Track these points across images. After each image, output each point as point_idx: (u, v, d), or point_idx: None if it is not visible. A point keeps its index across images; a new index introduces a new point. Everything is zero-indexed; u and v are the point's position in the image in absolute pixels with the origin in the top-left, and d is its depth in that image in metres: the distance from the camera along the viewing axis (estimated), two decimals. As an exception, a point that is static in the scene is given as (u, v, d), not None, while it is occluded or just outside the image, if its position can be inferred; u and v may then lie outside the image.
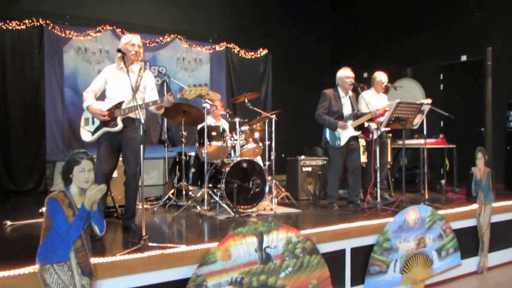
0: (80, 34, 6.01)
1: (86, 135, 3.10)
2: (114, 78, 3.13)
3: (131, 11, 6.47)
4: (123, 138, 3.05)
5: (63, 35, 5.89)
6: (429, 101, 4.19)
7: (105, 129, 3.02)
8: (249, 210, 3.84)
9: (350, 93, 4.19)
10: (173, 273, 2.42)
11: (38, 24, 5.71)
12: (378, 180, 3.99)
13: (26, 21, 5.62)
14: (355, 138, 4.12)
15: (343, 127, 3.98)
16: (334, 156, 4.08)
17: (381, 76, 4.58)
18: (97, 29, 6.12)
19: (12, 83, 5.56)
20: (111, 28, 6.20)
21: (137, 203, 3.65)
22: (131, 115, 3.04)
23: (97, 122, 3.05)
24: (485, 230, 3.81)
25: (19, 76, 5.60)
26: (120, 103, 3.03)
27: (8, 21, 5.51)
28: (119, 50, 3.02)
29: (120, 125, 3.01)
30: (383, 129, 4.20)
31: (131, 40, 3.13)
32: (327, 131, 4.09)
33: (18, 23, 5.57)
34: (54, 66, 5.84)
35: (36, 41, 5.69)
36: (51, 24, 5.79)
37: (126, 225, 3.11)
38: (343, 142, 4.01)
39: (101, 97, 3.20)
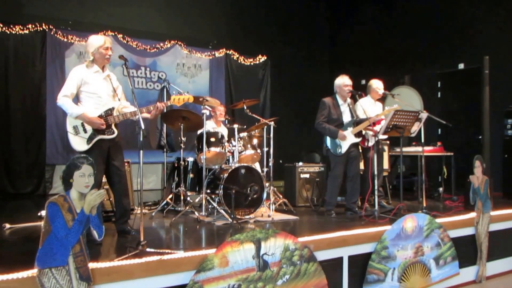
0: (82, 39, 6.05)
1: (80, 143, 2.94)
2: (93, 82, 2.99)
3: (132, 17, 6.53)
4: (112, 143, 3.04)
5: (65, 40, 5.95)
6: (426, 114, 4.23)
7: (100, 136, 2.97)
8: (247, 217, 3.85)
9: (349, 100, 4.22)
10: (170, 279, 2.42)
11: (41, 29, 5.76)
12: (376, 187, 4.00)
13: (30, 25, 5.68)
14: (355, 145, 4.14)
15: (343, 138, 4.00)
16: (335, 163, 4.09)
17: (376, 84, 4.61)
18: (99, 34, 6.15)
19: (14, 86, 5.60)
20: (113, 34, 6.25)
21: (136, 207, 3.66)
22: (118, 120, 3.02)
23: (89, 130, 2.95)
24: (484, 238, 3.81)
25: (21, 80, 5.64)
26: (111, 109, 3.02)
27: (11, 26, 5.58)
28: (121, 57, 3.01)
29: (116, 132, 3.01)
30: (381, 136, 4.22)
31: (105, 43, 3.02)
32: (328, 139, 4.11)
33: (22, 28, 5.63)
34: (55, 70, 5.89)
35: (38, 46, 5.75)
36: (54, 29, 5.85)
37: (122, 229, 3.11)
38: (344, 149, 4.03)
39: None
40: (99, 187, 2.89)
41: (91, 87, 3.00)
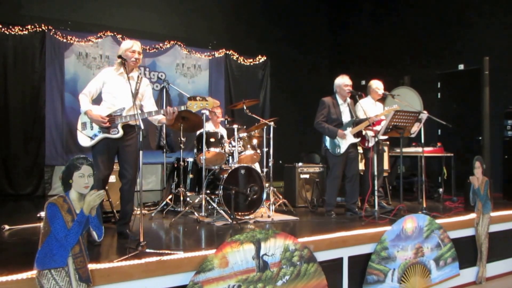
0: (81, 40, 6.06)
1: (84, 140, 3.05)
2: (113, 83, 3.10)
3: (131, 18, 6.52)
4: (121, 144, 3.05)
5: (64, 40, 5.94)
6: (426, 115, 4.23)
7: (105, 135, 3.01)
8: (247, 217, 3.84)
9: (349, 100, 4.22)
10: (170, 280, 2.42)
11: (40, 29, 5.76)
12: (376, 188, 4.00)
13: (29, 26, 5.67)
14: (354, 146, 4.14)
15: (342, 137, 4.00)
16: (334, 163, 4.09)
17: (376, 84, 4.61)
18: (98, 35, 6.17)
19: (14, 87, 5.59)
20: (112, 34, 6.24)
21: (135, 208, 3.66)
22: (131, 122, 3.05)
23: (96, 128, 3.03)
24: (484, 239, 3.80)
25: (20, 81, 5.63)
26: (121, 110, 3.05)
27: (11, 27, 5.57)
28: (119, 57, 3.04)
29: (121, 132, 3.01)
30: (381, 137, 4.22)
31: (132, 47, 3.10)
32: (327, 139, 4.11)
33: (21, 29, 5.63)
34: (55, 71, 5.88)
35: (38, 46, 5.74)
36: (53, 30, 5.84)
37: (121, 231, 3.11)
38: (343, 149, 4.03)
39: (97, 100, 3.17)
40: (103, 186, 2.90)
41: (109, 87, 3.10)
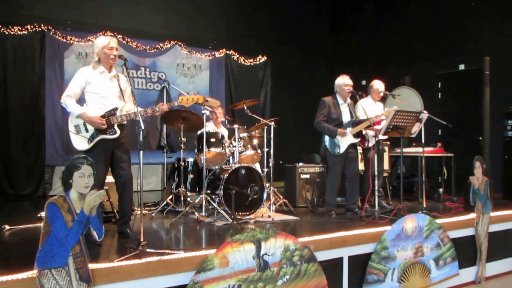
0: (81, 40, 6.06)
1: (81, 142, 2.96)
2: (98, 83, 3.02)
3: (131, 17, 6.53)
4: (116, 144, 3.04)
5: (64, 40, 5.94)
6: (426, 115, 4.24)
7: (102, 136, 2.98)
8: (247, 217, 3.85)
9: (349, 100, 4.23)
10: (170, 280, 2.42)
11: (40, 29, 5.76)
12: (376, 188, 4.00)
13: (28, 26, 5.67)
14: (353, 146, 4.14)
15: (343, 135, 4.01)
16: (333, 163, 4.10)
17: (378, 85, 4.62)
18: (98, 35, 6.15)
19: (13, 87, 5.59)
20: (112, 34, 6.22)
21: (136, 208, 3.66)
22: (124, 121, 3.03)
23: (91, 129, 2.97)
24: (483, 239, 3.81)
25: (20, 81, 5.63)
26: (114, 110, 3.02)
27: (10, 26, 5.57)
28: (120, 57, 3.02)
29: (118, 132, 3.01)
30: (381, 137, 4.23)
31: (109, 43, 2.99)
32: (327, 138, 4.11)
33: (20, 29, 5.63)
34: (54, 71, 5.89)
35: (37, 46, 5.74)
36: (53, 30, 5.84)
37: (122, 231, 3.11)
38: (342, 149, 4.03)
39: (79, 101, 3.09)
40: (101, 187, 2.89)
41: (95, 88, 3.02)
